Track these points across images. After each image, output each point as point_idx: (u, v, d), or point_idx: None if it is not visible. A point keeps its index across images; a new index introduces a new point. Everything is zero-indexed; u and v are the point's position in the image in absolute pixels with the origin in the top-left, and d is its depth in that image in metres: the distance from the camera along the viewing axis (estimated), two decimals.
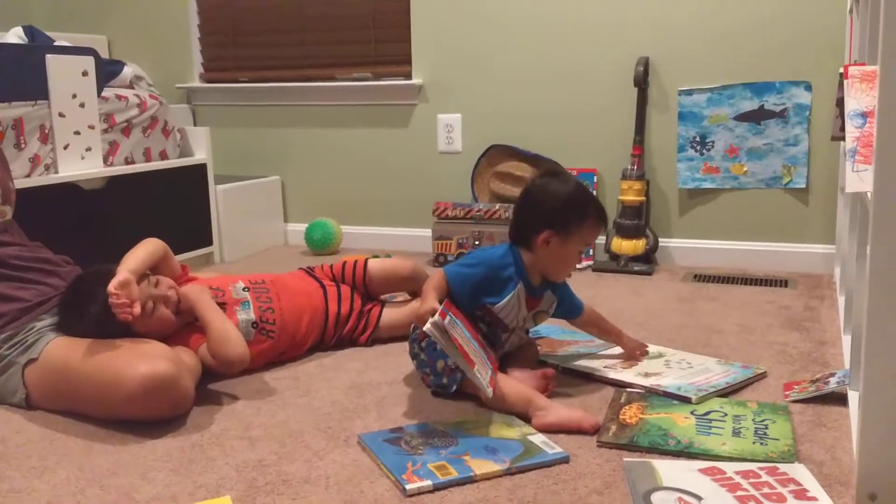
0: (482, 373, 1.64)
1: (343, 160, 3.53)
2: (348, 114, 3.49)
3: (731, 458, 1.45)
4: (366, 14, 3.42)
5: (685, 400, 1.71)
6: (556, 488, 1.38)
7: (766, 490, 1.33)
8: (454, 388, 1.75)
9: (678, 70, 2.98)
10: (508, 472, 1.43)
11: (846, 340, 1.96)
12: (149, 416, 1.65)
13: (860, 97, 1.42)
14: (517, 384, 1.70)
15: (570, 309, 1.95)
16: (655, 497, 1.32)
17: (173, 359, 1.68)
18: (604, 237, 3.06)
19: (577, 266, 2.99)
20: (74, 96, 2.65)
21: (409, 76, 3.37)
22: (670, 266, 3.06)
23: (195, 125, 3.67)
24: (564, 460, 1.47)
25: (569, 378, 1.88)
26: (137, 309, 1.73)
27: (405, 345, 1.92)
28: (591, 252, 3.07)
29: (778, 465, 1.42)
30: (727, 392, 1.77)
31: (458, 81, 3.29)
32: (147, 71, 3.25)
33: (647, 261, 3.01)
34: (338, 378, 1.95)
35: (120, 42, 3.77)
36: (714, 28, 2.92)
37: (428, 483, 1.38)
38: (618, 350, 2.03)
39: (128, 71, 3.03)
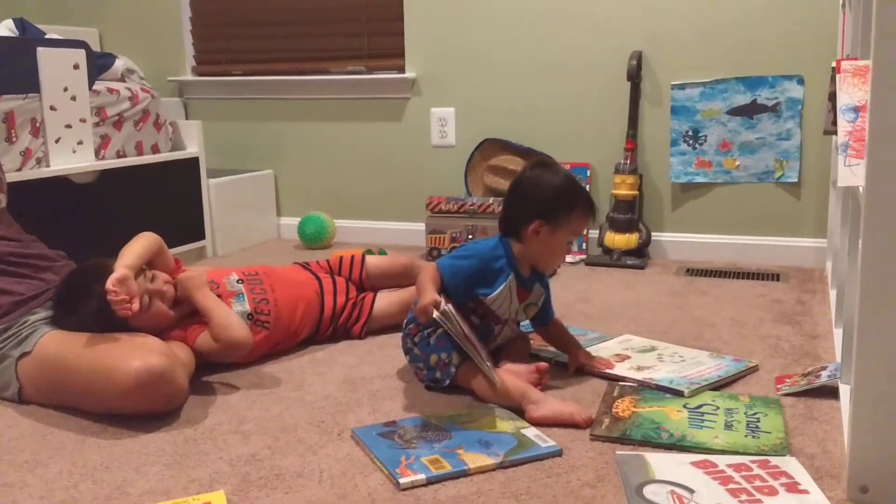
0: (489, 363, 1.67)
1: (336, 154, 3.52)
2: (341, 107, 3.48)
3: (723, 452, 1.46)
4: (359, 7, 3.41)
5: (677, 393, 1.72)
6: (549, 481, 1.38)
7: (757, 483, 1.33)
8: (447, 381, 1.76)
9: (671, 64, 2.98)
10: (502, 466, 1.43)
11: (837, 334, 1.97)
12: (142, 411, 1.65)
13: (852, 92, 1.43)
14: (511, 377, 1.70)
15: (540, 315, 1.93)
16: (648, 490, 1.32)
17: (167, 353, 1.68)
18: (597, 231, 3.07)
19: (570, 260, 3.00)
20: (66, 89, 2.64)
21: (402, 70, 3.36)
22: (663, 260, 3.06)
23: (187, 118, 3.66)
24: (557, 453, 1.47)
25: (562, 372, 1.89)
26: (136, 305, 1.73)
27: (398, 338, 1.92)
28: (584, 246, 3.07)
29: (769, 458, 1.43)
30: (719, 385, 1.78)
31: (452, 75, 3.28)
32: (139, 64, 3.23)
33: (639, 255, 3.02)
34: (331, 372, 1.95)
35: (111, 35, 3.75)
36: (707, 22, 2.92)
37: (421, 477, 1.38)
38: (610, 344, 2.04)
39: (119, 64, 3.01)
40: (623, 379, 1.82)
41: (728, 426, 1.56)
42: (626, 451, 1.48)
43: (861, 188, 1.26)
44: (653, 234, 3.06)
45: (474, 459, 1.44)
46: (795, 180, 2.91)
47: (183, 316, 1.92)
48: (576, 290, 2.62)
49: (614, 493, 1.34)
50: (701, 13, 2.92)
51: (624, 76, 2.98)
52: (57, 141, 2.62)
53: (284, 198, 3.65)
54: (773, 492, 1.31)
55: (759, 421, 1.57)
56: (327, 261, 2.32)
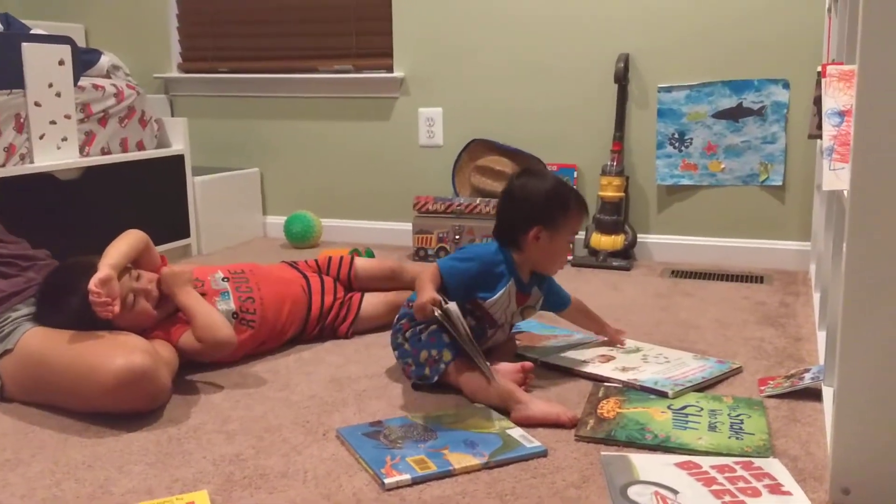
0: (487, 362, 1.69)
1: (323, 153, 3.51)
2: (329, 106, 3.47)
3: (707, 453, 1.47)
4: (347, 6, 3.40)
5: (661, 394, 1.72)
6: (534, 482, 1.39)
7: (741, 484, 1.34)
8: (436, 378, 1.76)
9: (658, 67, 3.00)
10: (487, 466, 1.43)
11: (821, 336, 1.99)
12: (125, 409, 1.64)
13: (838, 96, 1.44)
14: (496, 377, 1.70)
15: (557, 301, 2.01)
16: (632, 491, 1.33)
17: (150, 352, 1.67)
18: (583, 232, 3.08)
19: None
20: (51, 85, 2.61)
21: (390, 69, 3.35)
22: (648, 262, 3.08)
23: (173, 115, 3.63)
24: (542, 454, 1.48)
25: (547, 372, 1.89)
26: (118, 308, 1.72)
27: (385, 338, 1.92)
28: (570, 247, 3.08)
29: (753, 459, 1.43)
30: (703, 387, 1.79)
31: (440, 75, 3.28)
32: (124, 60, 3.21)
33: (625, 256, 3.03)
34: (317, 372, 1.94)
35: (97, 31, 3.72)
36: (694, 25, 2.93)
37: (407, 477, 1.38)
38: (595, 345, 2.05)
39: (105, 60, 2.99)
40: (608, 380, 1.82)
41: (712, 427, 1.56)
42: (611, 452, 1.48)
43: (846, 192, 1.27)
44: (638, 235, 3.07)
45: (459, 460, 1.44)
46: (780, 184, 2.93)
47: (167, 314, 1.90)
48: None
49: (599, 493, 1.35)
50: (688, 17, 2.94)
51: (611, 78, 2.99)
52: (41, 137, 2.60)
53: (271, 196, 3.64)
54: (756, 493, 1.31)
55: (742, 423, 1.58)
56: (315, 260, 2.31)
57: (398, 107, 3.37)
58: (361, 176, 3.47)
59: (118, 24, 3.69)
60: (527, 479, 1.40)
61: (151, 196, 3.03)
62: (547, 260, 1.87)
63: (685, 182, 3.03)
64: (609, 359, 1.95)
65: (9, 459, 1.49)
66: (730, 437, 1.52)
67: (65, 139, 2.69)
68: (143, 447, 1.53)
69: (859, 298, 1.24)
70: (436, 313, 1.66)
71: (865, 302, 1.24)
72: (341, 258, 2.31)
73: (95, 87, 2.83)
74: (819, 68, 2.09)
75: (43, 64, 2.59)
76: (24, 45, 2.53)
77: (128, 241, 1.87)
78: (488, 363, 1.71)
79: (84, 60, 2.85)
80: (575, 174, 3.12)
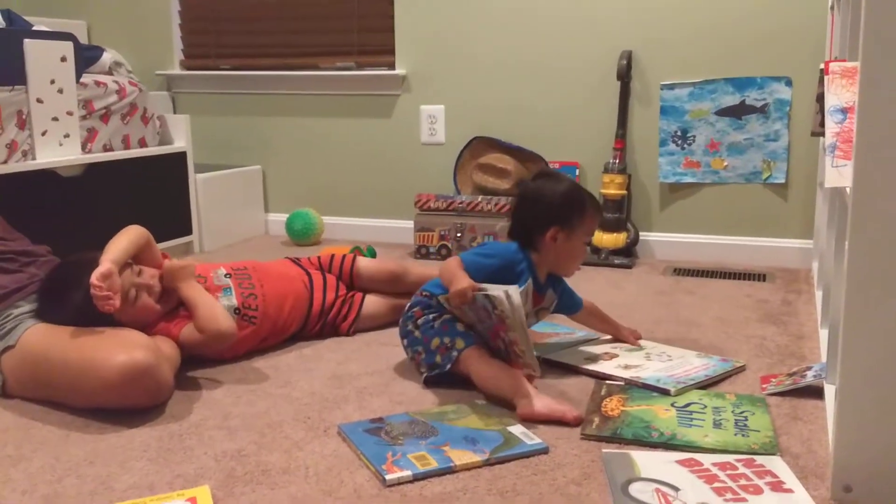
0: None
1: (325, 150, 3.51)
2: (331, 103, 3.47)
3: (714, 450, 1.46)
4: (349, 3, 3.40)
5: (664, 392, 1.72)
6: (535, 479, 1.39)
7: (742, 482, 1.34)
8: (448, 366, 1.75)
9: (661, 64, 2.99)
10: (488, 463, 1.43)
11: (823, 334, 1.98)
12: (127, 405, 1.64)
13: (840, 93, 1.43)
14: (508, 368, 1.70)
15: (570, 304, 2.02)
16: (633, 488, 1.33)
17: (151, 347, 1.67)
18: None
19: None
20: (53, 82, 2.62)
21: (392, 66, 3.35)
22: (650, 259, 3.07)
23: (175, 112, 3.63)
24: (543, 451, 1.47)
25: (549, 369, 1.89)
26: (118, 302, 1.72)
27: (386, 335, 1.92)
28: (587, 250, 3.07)
29: (755, 457, 1.43)
30: (706, 385, 1.79)
31: (442, 73, 3.28)
32: (126, 57, 3.21)
33: (627, 254, 3.03)
34: (318, 368, 1.94)
35: (99, 27, 3.72)
36: (697, 23, 2.93)
37: (408, 473, 1.38)
38: (598, 343, 2.04)
39: (107, 57, 2.99)
40: (611, 377, 1.82)
41: (717, 425, 1.56)
42: (612, 449, 1.48)
43: (848, 189, 1.26)
44: (641, 233, 3.07)
45: (460, 456, 1.44)
46: (783, 181, 2.93)
47: (169, 310, 1.91)
48: None
49: (600, 490, 1.34)
50: (691, 14, 2.93)
51: (614, 76, 2.98)
52: (43, 134, 2.60)
53: (272, 193, 3.64)
54: (757, 490, 1.31)
55: (746, 419, 1.58)
56: (318, 257, 2.31)
57: (400, 104, 3.36)
58: (363, 173, 3.47)
59: (120, 21, 3.69)
60: (528, 475, 1.40)
61: (153, 193, 3.03)
62: (564, 261, 1.89)
63: (688, 180, 3.02)
64: (612, 356, 1.95)
65: (10, 455, 1.50)
66: (736, 434, 1.52)
67: (67, 136, 2.69)
68: (144, 443, 1.53)
69: (861, 296, 1.24)
70: (476, 299, 1.65)
71: (867, 300, 1.24)
72: (343, 256, 2.31)
73: (97, 83, 2.83)
74: (822, 65, 2.09)
75: (45, 60, 2.59)
76: (27, 41, 2.53)
77: (129, 237, 1.87)
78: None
79: (86, 57, 2.85)
80: (577, 172, 3.12)
